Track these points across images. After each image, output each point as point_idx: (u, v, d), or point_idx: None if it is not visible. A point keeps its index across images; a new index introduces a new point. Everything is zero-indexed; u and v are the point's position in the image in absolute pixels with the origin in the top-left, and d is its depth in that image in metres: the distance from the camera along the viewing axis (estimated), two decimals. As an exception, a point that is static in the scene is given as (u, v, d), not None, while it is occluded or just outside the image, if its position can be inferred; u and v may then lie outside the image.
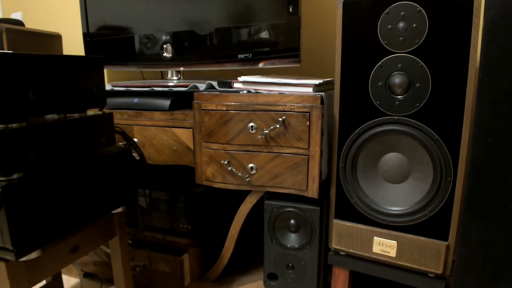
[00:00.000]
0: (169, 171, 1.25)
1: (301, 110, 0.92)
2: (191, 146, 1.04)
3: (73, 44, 1.77)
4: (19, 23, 1.36)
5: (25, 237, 0.66)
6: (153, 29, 1.24)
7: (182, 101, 1.11)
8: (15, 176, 0.65)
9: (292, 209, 1.00)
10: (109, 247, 1.04)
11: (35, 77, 0.68)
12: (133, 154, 1.06)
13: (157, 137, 1.07)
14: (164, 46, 1.23)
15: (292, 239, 1.03)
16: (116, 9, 1.31)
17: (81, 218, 0.79)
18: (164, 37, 1.22)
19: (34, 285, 0.76)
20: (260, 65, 1.11)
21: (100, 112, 0.84)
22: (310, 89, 0.94)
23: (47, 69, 0.70)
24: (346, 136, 0.94)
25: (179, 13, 1.18)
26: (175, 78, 1.27)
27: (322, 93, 0.92)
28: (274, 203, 1.02)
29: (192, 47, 1.19)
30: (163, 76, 1.57)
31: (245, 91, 0.99)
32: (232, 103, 0.97)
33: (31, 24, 1.85)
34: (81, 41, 1.74)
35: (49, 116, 0.78)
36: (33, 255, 0.69)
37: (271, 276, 1.07)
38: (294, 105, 0.93)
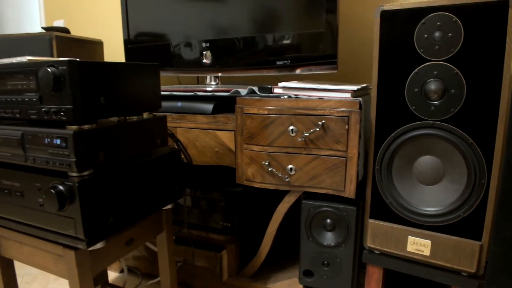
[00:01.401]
0: (210, 171, 1.32)
1: (340, 115, 0.98)
2: (233, 148, 1.10)
3: (113, 50, 1.87)
4: (65, 30, 1.46)
5: (94, 229, 0.74)
6: (193, 36, 1.32)
7: (223, 105, 1.18)
8: (87, 172, 0.73)
9: (329, 209, 1.06)
10: (154, 242, 1.11)
11: (106, 83, 0.75)
12: (177, 154, 1.13)
13: (200, 139, 1.14)
14: (204, 52, 1.30)
15: (328, 238, 1.08)
16: (157, 17, 1.39)
17: (138, 213, 0.86)
18: (204, 44, 1.30)
19: (96, 273, 0.83)
20: (297, 71, 1.18)
21: (151, 115, 0.91)
22: (348, 95, 1.00)
23: (115, 75, 0.78)
24: (382, 140, 0.99)
25: (219, 21, 1.26)
26: (213, 83, 1.35)
27: (360, 99, 0.98)
28: (312, 202, 1.08)
29: (231, 54, 1.26)
30: (199, 81, 1.65)
31: (285, 96, 1.05)
32: (274, 107, 1.04)
33: (73, 31, 1.95)
34: (121, 47, 1.84)
35: (111, 119, 0.86)
36: (99, 245, 0.77)
37: (307, 273, 1.12)
38: (333, 110, 0.99)
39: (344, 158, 1.00)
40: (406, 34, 0.93)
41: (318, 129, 1.00)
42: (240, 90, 1.13)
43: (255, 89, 1.12)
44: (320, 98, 1.02)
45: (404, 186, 1.00)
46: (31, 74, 0.72)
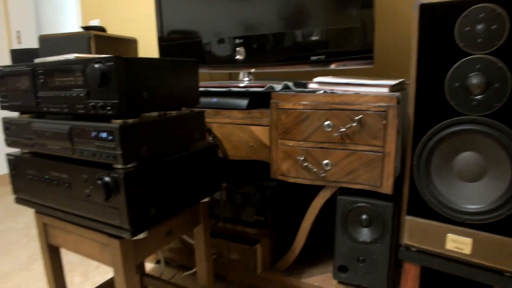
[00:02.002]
0: (244, 166, 1.34)
1: (378, 110, 0.97)
2: (267, 143, 1.11)
3: (147, 48, 1.92)
4: (102, 29, 1.51)
5: (138, 219, 0.77)
6: (225, 33, 1.34)
7: (257, 100, 1.19)
8: (131, 165, 0.76)
9: (365, 205, 1.06)
10: (190, 235, 1.14)
11: (148, 78, 0.78)
12: (212, 149, 1.16)
13: (234, 134, 1.16)
14: (237, 48, 1.32)
15: (364, 234, 1.08)
16: (190, 15, 1.42)
17: (177, 205, 0.88)
18: (237, 40, 1.31)
19: (138, 262, 0.87)
20: (332, 66, 1.17)
21: (190, 110, 0.93)
22: (386, 89, 0.99)
23: (157, 71, 0.80)
24: (420, 135, 0.97)
25: (252, 17, 1.27)
26: (246, 79, 1.36)
27: (398, 93, 0.97)
28: (347, 198, 1.07)
29: (265, 50, 1.27)
30: (231, 77, 1.67)
31: (321, 91, 1.05)
32: (309, 103, 1.04)
33: (108, 30, 2.02)
34: (154, 45, 1.89)
35: (151, 114, 0.88)
36: (142, 235, 0.80)
37: (342, 269, 1.12)
38: (370, 105, 0.98)
39: (382, 154, 0.99)
40: (446, 28, 0.91)
41: (354, 124, 1.00)
42: (274, 85, 1.14)
43: (290, 84, 1.13)
44: (357, 93, 1.01)
45: (443, 182, 0.98)
46: (79, 70, 0.75)
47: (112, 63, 0.70)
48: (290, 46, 1.23)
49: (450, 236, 0.98)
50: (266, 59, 1.28)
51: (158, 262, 1.50)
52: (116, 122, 0.74)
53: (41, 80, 0.82)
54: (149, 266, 1.49)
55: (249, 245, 1.20)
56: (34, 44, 2.68)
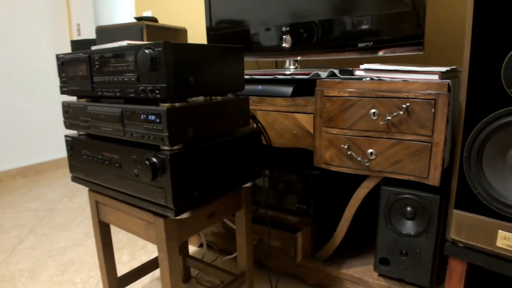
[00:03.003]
0: (287, 154, 1.35)
1: (426, 97, 0.94)
2: (311, 131, 1.11)
3: (196, 37, 1.97)
4: (154, 19, 1.57)
5: (182, 199, 0.80)
6: (272, 22, 1.35)
7: (302, 88, 1.19)
8: (177, 147, 0.79)
9: (410, 196, 1.03)
10: (232, 220, 1.17)
11: (195, 64, 0.80)
12: (256, 136, 1.17)
13: (278, 121, 1.17)
14: (284, 37, 1.32)
15: (408, 226, 1.05)
16: (238, 5, 1.44)
17: (220, 188, 0.91)
18: (284, 28, 1.32)
19: (181, 242, 0.91)
20: (380, 53, 1.14)
21: (235, 96, 0.95)
22: (436, 76, 0.96)
23: (203, 56, 0.83)
24: (472, 125, 0.93)
25: (298, 5, 1.27)
26: (292, 67, 1.36)
27: (449, 81, 0.93)
28: (392, 189, 1.05)
29: (311, 37, 1.26)
30: (277, 65, 1.67)
31: (367, 78, 1.04)
32: (355, 90, 1.02)
33: (160, 20, 2.10)
34: (203, 34, 1.94)
35: (198, 98, 0.92)
36: (185, 215, 0.83)
37: (383, 261, 1.11)
38: (419, 92, 0.95)
39: (429, 144, 0.96)
40: (504, 11, 0.86)
41: (401, 113, 0.97)
42: (320, 72, 1.13)
43: (336, 71, 1.12)
44: (405, 80, 0.98)
45: (496, 176, 0.93)
46: (130, 56, 0.79)
47: (161, 49, 0.73)
48: (337, 33, 1.21)
49: (501, 233, 0.93)
50: (312, 46, 1.27)
51: (200, 245, 1.55)
52: (164, 106, 0.77)
53: (97, 66, 0.88)
54: (192, 249, 1.55)
55: (290, 232, 1.22)
56: (92, 35, 2.84)
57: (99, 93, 0.90)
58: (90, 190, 1.03)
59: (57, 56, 0.98)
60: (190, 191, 0.82)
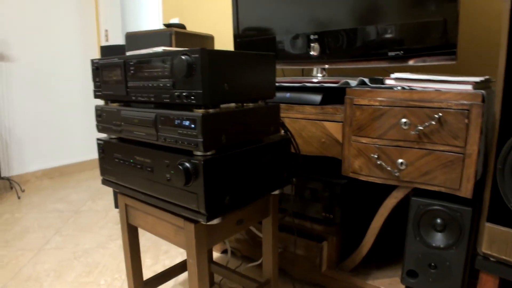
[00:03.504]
0: (313, 162, 1.34)
1: (460, 108, 0.93)
2: (340, 139, 1.11)
3: (223, 44, 1.99)
4: (182, 26, 1.59)
5: (213, 205, 0.80)
6: (300, 29, 1.35)
7: (331, 96, 1.19)
8: (210, 152, 0.79)
9: (440, 208, 1.01)
10: (257, 227, 1.16)
11: (229, 70, 0.81)
12: (283, 143, 1.17)
13: (306, 129, 1.16)
14: (312, 44, 1.32)
15: (438, 238, 1.03)
16: (265, 12, 1.45)
17: (250, 195, 0.91)
18: (312, 36, 1.32)
19: (210, 247, 0.91)
20: (410, 62, 1.13)
21: (265, 104, 0.96)
22: (469, 87, 0.94)
23: (237, 63, 0.83)
24: (507, 137, 0.91)
25: (327, 13, 1.27)
26: (319, 75, 1.36)
27: (483, 91, 0.91)
28: (421, 200, 1.03)
29: (340, 46, 1.26)
30: (303, 73, 1.67)
31: (398, 88, 1.02)
32: (386, 99, 1.01)
33: (187, 27, 2.13)
34: (229, 41, 1.95)
35: (230, 105, 0.92)
36: (216, 221, 0.83)
37: (411, 273, 1.08)
38: (451, 102, 0.93)
39: (462, 155, 0.94)
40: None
41: (433, 123, 0.96)
42: (349, 81, 1.12)
43: (366, 80, 1.11)
44: (437, 90, 0.97)
45: (531, 189, 0.91)
46: (166, 62, 0.80)
47: (197, 55, 0.74)
48: (367, 41, 1.21)
49: (537, 247, 0.90)
50: (341, 55, 1.27)
51: (224, 252, 1.55)
52: (198, 111, 0.78)
53: (132, 71, 0.89)
54: (215, 255, 1.54)
55: (315, 241, 1.20)
56: (119, 41, 2.91)
57: (133, 98, 0.91)
58: (120, 193, 1.04)
59: (92, 61, 1.00)
60: (221, 197, 0.82)
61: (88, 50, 2.90)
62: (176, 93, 0.79)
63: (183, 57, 0.75)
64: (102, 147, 1.02)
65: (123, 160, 0.96)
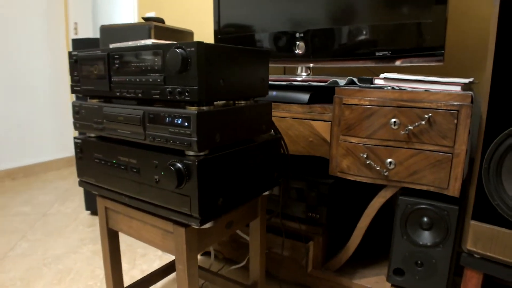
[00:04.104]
0: (299, 161, 1.31)
1: (449, 108, 0.92)
2: (328, 139, 1.08)
3: (202, 40, 1.91)
4: (161, 20, 1.51)
5: (206, 208, 0.75)
6: (285, 27, 1.31)
7: (318, 95, 1.16)
8: (203, 153, 0.74)
9: (428, 207, 1.01)
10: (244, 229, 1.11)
11: (225, 66, 0.76)
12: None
13: (293, 128, 1.13)
14: (297, 43, 1.29)
15: (425, 237, 1.03)
16: (249, 9, 1.40)
17: (242, 196, 0.86)
18: (298, 35, 1.28)
19: (200, 252, 0.85)
20: (397, 63, 1.12)
21: (255, 102, 0.91)
22: (458, 88, 0.94)
23: (233, 58, 0.78)
24: (493, 137, 0.91)
25: (313, 11, 1.24)
26: (304, 73, 1.33)
27: (472, 92, 0.91)
28: (409, 199, 1.02)
29: (326, 44, 1.23)
30: (285, 71, 1.64)
31: (388, 87, 1.01)
32: (376, 99, 1.00)
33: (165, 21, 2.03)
34: (208, 38, 1.88)
35: (221, 102, 0.87)
36: (208, 224, 0.77)
37: (397, 272, 1.07)
38: (441, 103, 0.93)
39: (450, 154, 0.94)
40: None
41: (423, 123, 0.95)
42: (338, 80, 1.10)
43: (355, 79, 1.09)
44: (427, 91, 0.96)
45: (515, 188, 0.92)
46: (157, 55, 0.74)
47: (193, 49, 0.68)
48: (354, 41, 1.18)
49: (522, 245, 0.92)
50: (327, 54, 1.24)
51: (205, 254, 1.49)
52: (191, 109, 0.72)
53: (116, 65, 0.82)
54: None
55: (300, 241, 1.17)
56: (89, 34, 2.75)
57: (117, 94, 0.83)
58: (99, 195, 0.96)
59: (70, 54, 0.92)
60: (214, 199, 0.77)
61: (55, 44, 2.71)
62: (168, 89, 0.73)
63: (177, 50, 0.69)
64: (80, 146, 0.94)
65: (104, 161, 0.88)
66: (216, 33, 1.51)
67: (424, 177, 0.98)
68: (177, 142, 0.73)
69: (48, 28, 2.65)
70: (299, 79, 1.21)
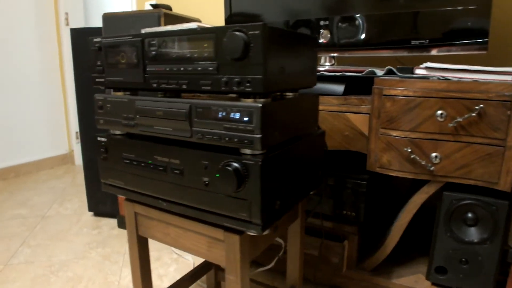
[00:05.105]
0: (332, 157, 1.21)
1: (501, 99, 0.85)
2: (365, 132, 0.99)
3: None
4: (168, 7, 1.38)
5: (267, 212, 0.65)
6: (308, 14, 1.21)
7: (352, 86, 1.07)
8: (260, 152, 0.63)
9: (474, 202, 0.94)
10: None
11: (286, 53, 0.65)
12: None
13: (327, 122, 1.03)
14: (321, 31, 1.19)
15: (471, 233, 0.96)
16: (263, -4, 1.29)
17: (294, 198, 0.76)
18: (322, 22, 1.18)
19: (251, 259, 0.75)
20: (433, 52, 1.04)
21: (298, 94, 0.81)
22: (509, 77, 0.87)
23: (292, 45, 0.68)
24: (545, 128, 0.85)
25: (340, -1, 1.14)
26: (327, 64, 1.23)
27: (525, 82, 0.85)
28: (454, 194, 0.95)
29: (354, 32, 1.14)
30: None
31: (434, 78, 0.93)
32: (420, 89, 0.91)
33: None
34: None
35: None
36: (268, 230, 0.67)
37: (440, 270, 1.01)
38: (492, 94, 0.85)
39: (502, 147, 0.87)
40: None
41: (473, 114, 0.87)
42: (375, 70, 1.01)
43: (394, 69, 1.00)
44: (475, 81, 0.88)
45: None
46: (208, 40, 0.63)
47: (257, 32, 0.57)
48: (386, 29, 1.10)
49: None
50: (354, 42, 1.15)
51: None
52: (246, 101, 0.62)
53: (153, 52, 0.70)
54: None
55: (333, 241, 1.09)
56: (81, 25, 2.54)
57: (154, 85, 0.72)
58: (128, 200, 0.84)
59: (92, 40, 0.79)
60: (273, 202, 0.67)
61: (46, 35, 2.50)
62: (223, 79, 0.62)
63: (238, 34, 0.58)
64: (105, 145, 0.81)
65: (136, 161, 0.76)
66: (227, 22, 1.39)
67: (472, 171, 0.91)
68: (235, 140, 0.62)
69: (37, 19, 2.43)
70: (322, 69, 1.12)
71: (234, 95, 0.77)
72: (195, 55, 0.65)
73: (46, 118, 2.61)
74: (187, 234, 0.76)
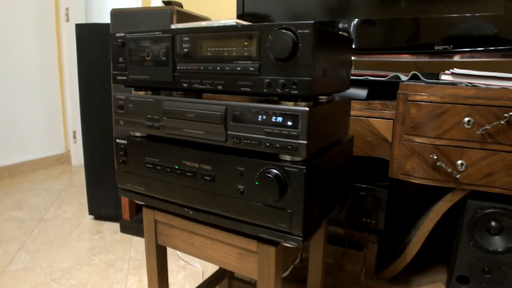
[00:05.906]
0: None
1: (531, 107, 0.82)
2: (389, 138, 0.95)
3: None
4: (179, 5, 1.32)
5: (308, 223, 0.60)
6: (324, 17, 1.17)
7: (374, 91, 1.03)
8: (300, 158, 0.58)
9: (499, 210, 0.91)
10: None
11: (330, 54, 0.61)
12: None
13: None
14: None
15: (495, 242, 0.93)
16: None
17: (328, 206, 0.72)
18: (340, 25, 1.14)
19: (285, 271, 0.70)
20: (456, 58, 1.01)
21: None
22: (539, 85, 0.84)
23: (335, 46, 0.63)
24: None
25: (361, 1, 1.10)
26: (344, 68, 1.19)
27: (554, 90, 0.82)
28: (480, 202, 0.92)
29: (374, 36, 1.10)
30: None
31: (462, 84, 0.90)
32: (448, 96, 0.88)
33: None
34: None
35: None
36: (307, 242, 0.63)
37: (461, 279, 0.97)
38: (523, 101, 0.83)
39: (531, 156, 0.84)
40: None
41: (502, 122, 0.84)
42: (400, 75, 0.97)
43: (419, 75, 0.97)
44: (504, 88, 0.86)
45: None
46: (251, 38, 0.58)
47: (307, 31, 0.52)
48: (409, 33, 1.06)
49: None
50: (373, 46, 1.11)
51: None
52: (287, 104, 0.57)
53: (185, 50, 0.64)
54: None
55: (350, 248, 1.04)
56: (82, 21, 2.44)
57: (185, 85, 0.66)
58: (147, 207, 0.78)
59: (114, 36, 0.73)
60: (312, 212, 0.62)
61: (46, 32, 2.40)
62: (266, 80, 0.57)
63: (287, 32, 0.53)
64: (125, 148, 0.75)
65: (161, 166, 0.71)
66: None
67: (498, 180, 0.88)
68: (277, 146, 0.57)
69: (37, 14, 2.33)
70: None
71: (263, 98, 0.72)
72: (234, 53, 0.60)
73: (43, 117, 2.50)
74: (214, 245, 0.71)
